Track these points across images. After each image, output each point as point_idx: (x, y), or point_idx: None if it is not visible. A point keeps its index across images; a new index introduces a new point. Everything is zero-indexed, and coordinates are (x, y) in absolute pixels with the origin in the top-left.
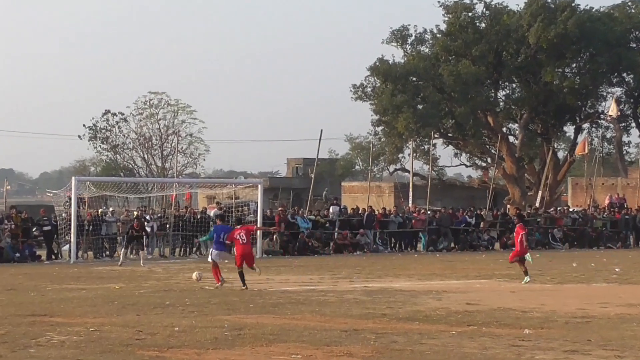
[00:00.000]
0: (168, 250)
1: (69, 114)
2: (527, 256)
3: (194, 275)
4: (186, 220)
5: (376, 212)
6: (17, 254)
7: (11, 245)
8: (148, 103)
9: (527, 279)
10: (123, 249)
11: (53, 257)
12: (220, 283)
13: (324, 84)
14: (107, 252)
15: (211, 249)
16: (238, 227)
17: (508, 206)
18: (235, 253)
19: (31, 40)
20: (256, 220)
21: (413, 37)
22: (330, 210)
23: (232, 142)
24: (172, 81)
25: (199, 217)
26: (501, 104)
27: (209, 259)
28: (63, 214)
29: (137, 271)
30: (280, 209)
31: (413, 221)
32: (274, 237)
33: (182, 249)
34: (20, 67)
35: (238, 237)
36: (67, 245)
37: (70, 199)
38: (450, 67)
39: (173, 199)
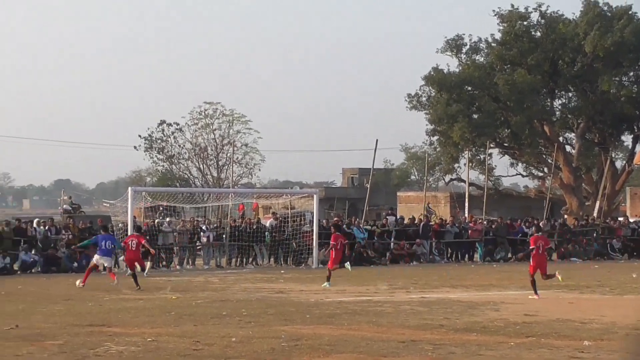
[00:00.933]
0: (224, 260)
1: (125, 124)
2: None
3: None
4: (242, 231)
5: (432, 222)
6: (75, 264)
7: (68, 255)
8: (203, 113)
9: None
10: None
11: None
12: (83, 284)
13: (379, 93)
14: (164, 263)
15: (95, 255)
16: (131, 235)
17: (565, 216)
18: (125, 257)
19: (87, 51)
20: (312, 231)
21: (468, 47)
22: (388, 220)
23: (287, 152)
24: (227, 91)
25: (254, 227)
26: (557, 113)
27: (93, 261)
28: (120, 224)
29: (194, 281)
30: (335, 219)
31: (469, 231)
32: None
33: (238, 259)
34: (76, 77)
35: (129, 243)
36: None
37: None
38: (505, 76)
39: (241, 209)
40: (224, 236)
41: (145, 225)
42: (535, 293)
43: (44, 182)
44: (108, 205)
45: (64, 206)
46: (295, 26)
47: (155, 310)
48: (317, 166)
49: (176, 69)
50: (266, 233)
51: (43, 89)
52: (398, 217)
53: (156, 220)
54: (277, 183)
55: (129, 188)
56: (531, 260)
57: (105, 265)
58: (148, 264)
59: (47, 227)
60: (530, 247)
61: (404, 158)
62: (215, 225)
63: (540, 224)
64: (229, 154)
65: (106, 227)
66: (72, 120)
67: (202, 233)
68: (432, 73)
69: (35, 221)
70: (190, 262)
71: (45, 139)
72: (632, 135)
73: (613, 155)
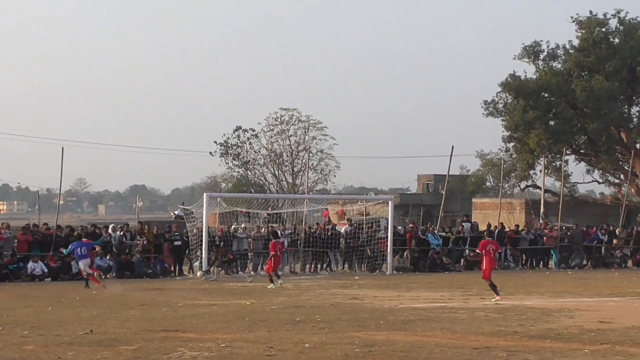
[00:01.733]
0: (299, 266)
1: (201, 130)
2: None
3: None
4: (317, 237)
5: (507, 229)
6: (149, 269)
7: (141, 260)
8: (279, 119)
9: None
10: (213, 268)
11: (185, 272)
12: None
13: (455, 100)
14: (239, 268)
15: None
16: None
17: None
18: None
19: (164, 56)
20: (387, 237)
21: (545, 53)
22: (463, 226)
23: (362, 159)
24: (303, 97)
25: (329, 233)
26: (635, 119)
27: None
28: (194, 230)
29: (268, 287)
30: (411, 225)
31: (544, 238)
32: (405, 253)
33: (313, 265)
34: (153, 83)
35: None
36: (198, 261)
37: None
38: (583, 83)
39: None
40: (298, 242)
41: (220, 231)
42: (497, 294)
43: (120, 188)
44: (183, 211)
45: (176, 211)
46: (372, 32)
47: (229, 316)
48: (392, 172)
49: (253, 75)
50: (340, 239)
51: (119, 95)
52: (473, 224)
53: (232, 227)
54: (352, 189)
55: (205, 194)
56: (485, 264)
57: (84, 269)
58: (215, 270)
59: (122, 233)
60: (478, 251)
61: (480, 164)
62: (290, 231)
63: (616, 231)
64: (304, 160)
65: (80, 235)
66: (148, 126)
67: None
68: (509, 80)
69: (110, 227)
70: (264, 268)
71: (121, 144)
72: None
73: None
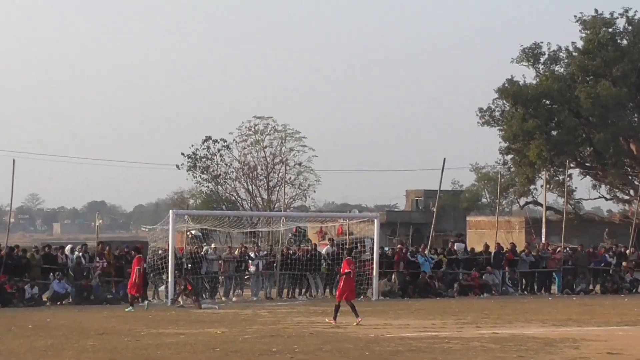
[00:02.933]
0: (275, 291)
1: (166, 141)
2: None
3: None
4: (295, 258)
5: (505, 250)
6: (110, 295)
7: (100, 284)
8: (253, 129)
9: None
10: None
11: (149, 298)
12: None
13: (447, 107)
14: (208, 293)
15: None
16: None
17: None
18: None
19: (127, 61)
20: (372, 259)
21: (546, 56)
22: (455, 247)
23: (345, 173)
24: (279, 105)
25: (309, 254)
26: None
27: None
28: (159, 251)
29: (241, 314)
30: (399, 246)
31: (547, 260)
32: (392, 277)
33: (290, 290)
34: (114, 91)
35: None
36: (164, 286)
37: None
38: (587, 89)
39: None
40: (274, 264)
41: (181, 251)
42: (334, 318)
43: (77, 204)
44: (147, 229)
45: (193, 232)
46: (354, 33)
47: (199, 346)
48: (378, 188)
49: (224, 80)
50: (322, 261)
51: (76, 102)
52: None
53: (203, 248)
54: (333, 206)
55: (170, 211)
56: (341, 284)
57: None
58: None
59: (80, 254)
60: (346, 271)
61: (474, 179)
62: (265, 252)
63: (626, 252)
64: (280, 174)
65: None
66: (108, 137)
67: (250, 261)
68: (506, 85)
69: (68, 248)
70: (237, 293)
71: (78, 156)
72: None
73: None
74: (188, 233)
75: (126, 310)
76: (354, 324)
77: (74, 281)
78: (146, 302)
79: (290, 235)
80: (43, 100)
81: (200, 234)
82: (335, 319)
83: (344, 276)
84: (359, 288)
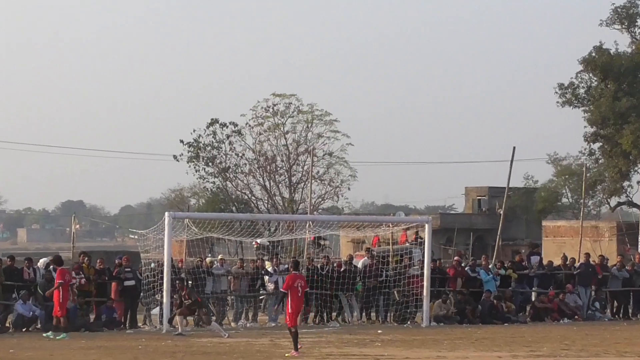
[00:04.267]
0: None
1: (161, 126)
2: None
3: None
4: (325, 274)
5: (592, 264)
6: (89, 319)
7: (78, 307)
8: (271, 109)
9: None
10: (177, 317)
11: (139, 323)
12: None
13: (517, 83)
14: (214, 317)
15: None
16: None
17: None
18: None
19: (107, 23)
20: (422, 275)
21: None
22: (529, 260)
23: (387, 165)
24: (303, 82)
25: (342, 269)
26: None
27: None
28: (152, 264)
29: (256, 344)
30: (456, 258)
31: None
32: (448, 297)
33: (319, 315)
34: (94, 64)
35: None
36: (158, 308)
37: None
38: None
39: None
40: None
41: (180, 265)
42: (296, 349)
43: (48, 205)
44: (136, 237)
45: (259, 240)
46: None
47: None
48: (429, 185)
49: (234, 50)
50: (357, 278)
51: (48, 80)
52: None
53: (207, 259)
54: (373, 208)
55: (166, 213)
56: (289, 305)
57: None
58: (179, 320)
59: (51, 268)
60: (283, 290)
61: (552, 173)
62: (286, 266)
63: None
64: (306, 167)
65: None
66: (86, 121)
67: (267, 277)
68: (593, 54)
69: (42, 262)
70: (250, 317)
71: (49, 144)
72: None
73: None
74: (254, 242)
75: (54, 337)
76: (286, 354)
77: (43, 302)
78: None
79: (311, 245)
80: (6, 82)
81: (268, 243)
82: (297, 349)
83: (295, 296)
84: (405, 312)
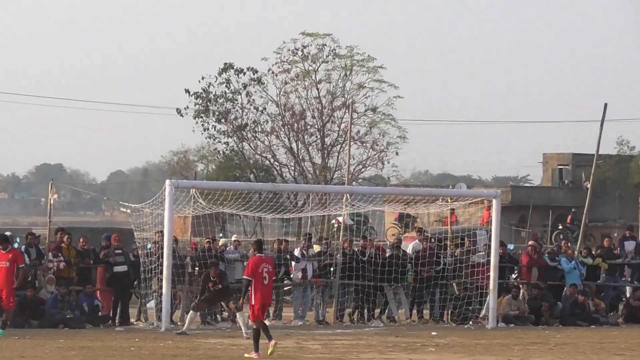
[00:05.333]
0: (331, 312)
1: (162, 73)
2: None
3: None
4: (365, 261)
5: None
6: (69, 313)
7: (57, 297)
8: (300, 52)
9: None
10: (191, 312)
11: (131, 318)
12: None
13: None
14: (225, 313)
15: None
16: None
17: None
18: None
19: None
20: (488, 263)
21: None
22: (626, 246)
23: (446, 125)
24: (339, 18)
25: (388, 254)
26: None
27: None
28: (149, 245)
29: (278, 347)
30: (530, 243)
31: None
32: (521, 292)
33: (358, 311)
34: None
35: None
36: (154, 300)
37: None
38: None
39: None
40: (332, 270)
41: (193, 248)
42: (256, 350)
43: (18, 170)
44: (128, 211)
45: (340, 218)
46: None
47: None
48: (498, 151)
49: None
50: (407, 266)
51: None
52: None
53: (214, 240)
54: (427, 177)
55: (167, 182)
56: (253, 294)
57: None
58: (239, 316)
59: (23, 248)
60: (246, 277)
61: None
62: (319, 250)
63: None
64: (343, 126)
65: None
66: (69, 68)
67: (293, 263)
68: None
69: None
70: (271, 313)
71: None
72: None
73: None
74: (333, 220)
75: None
76: (245, 355)
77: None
78: None
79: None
80: None
81: (352, 221)
82: (257, 350)
83: (260, 284)
84: (466, 309)
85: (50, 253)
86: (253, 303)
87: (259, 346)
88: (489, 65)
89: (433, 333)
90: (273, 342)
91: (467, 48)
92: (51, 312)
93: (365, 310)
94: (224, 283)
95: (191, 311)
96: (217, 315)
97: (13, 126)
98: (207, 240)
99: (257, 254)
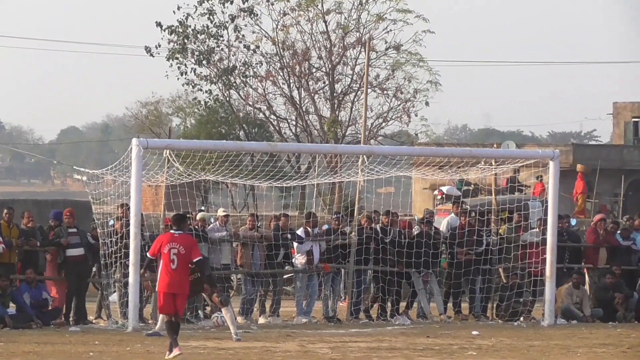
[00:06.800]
0: (345, 305)
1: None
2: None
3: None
4: (388, 242)
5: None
6: (9, 310)
7: None
8: None
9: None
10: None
11: (90, 316)
12: None
13: None
14: (208, 308)
15: None
16: None
17: None
18: None
19: None
20: (543, 241)
21: None
22: None
23: (488, 67)
24: None
25: (416, 232)
26: None
27: None
28: (111, 222)
29: (277, 350)
30: (597, 217)
31: None
32: (585, 280)
33: (379, 305)
34: None
35: None
36: (117, 293)
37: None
38: None
39: None
40: (346, 252)
41: (167, 224)
42: (171, 350)
43: None
44: (84, 178)
45: (446, 187)
46: None
47: None
48: (555, 100)
49: None
50: (440, 247)
51: None
52: None
53: (198, 215)
54: (465, 134)
55: (133, 140)
56: (158, 278)
57: None
58: (225, 312)
59: None
60: (149, 255)
61: None
62: (326, 227)
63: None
64: (358, 68)
65: None
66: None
67: (295, 244)
68: None
69: None
70: (268, 308)
71: None
72: None
73: None
74: (436, 191)
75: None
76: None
77: None
78: None
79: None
80: None
81: (460, 192)
82: (172, 349)
83: (166, 266)
84: (516, 302)
85: None
86: (159, 289)
87: (177, 340)
88: None
89: (474, 332)
90: (176, 351)
91: None
92: None
93: (388, 304)
94: (204, 271)
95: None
96: (199, 311)
97: None
98: (185, 214)
99: (171, 231)
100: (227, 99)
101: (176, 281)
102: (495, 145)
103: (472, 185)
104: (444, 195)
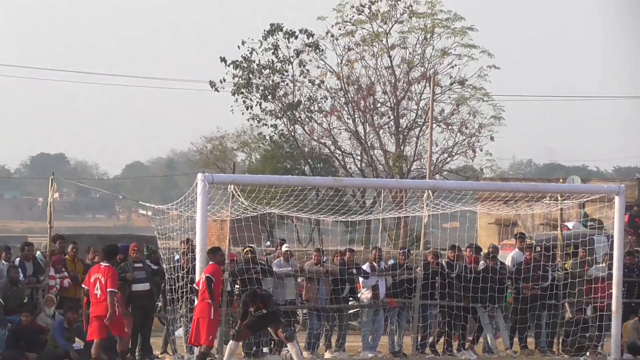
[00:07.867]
0: (410, 340)
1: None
2: None
3: None
4: (454, 277)
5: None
6: (76, 344)
7: (63, 324)
8: (367, 10)
9: None
10: (231, 342)
11: (155, 350)
12: None
13: None
14: (274, 343)
15: None
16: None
17: None
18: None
19: None
20: (609, 276)
21: None
22: None
23: (554, 102)
24: None
25: (481, 267)
26: None
27: None
28: (176, 257)
29: None
30: None
31: None
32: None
33: (445, 338)
34: None
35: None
36: (183, 328)
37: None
38: None
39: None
40: (411, 287)
41: (232, 259)
42: None
43: (8, 162)
44: (149, 213)
45: (571, 223)
46: None
47: None
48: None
49: None
50: (506, 282)
51: None
52: None
53: (259, 250)
54: (530, 169)
55: (199, 175)
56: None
57: None
58: (291, 347)
59: (14, 261)
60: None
61: None
62: (392, 262)
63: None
64: (423, 103)
65: None
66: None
67: (361, 279)
68: None
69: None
70: (334, 343)
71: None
72: None
73: None
74: (562, 227)
75: None
76: None
77: (4, 315)
78: None
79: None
80: None
81: (586, 227)
82: None
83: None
84: (583, 337)
85: (51, 267)
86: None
87: None
88: (605, 22)
89: None
90: None
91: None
92: (60, 343)
93: (454, 339)
94: (270, 307)
95: (231, 341)
96: (262, 347)
97: (1, 107)
98: (248, 249)
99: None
100: (292, 133)
101: (100, 311)
102: (560, 180)
103: (597, 222)
104: (568, 230)
